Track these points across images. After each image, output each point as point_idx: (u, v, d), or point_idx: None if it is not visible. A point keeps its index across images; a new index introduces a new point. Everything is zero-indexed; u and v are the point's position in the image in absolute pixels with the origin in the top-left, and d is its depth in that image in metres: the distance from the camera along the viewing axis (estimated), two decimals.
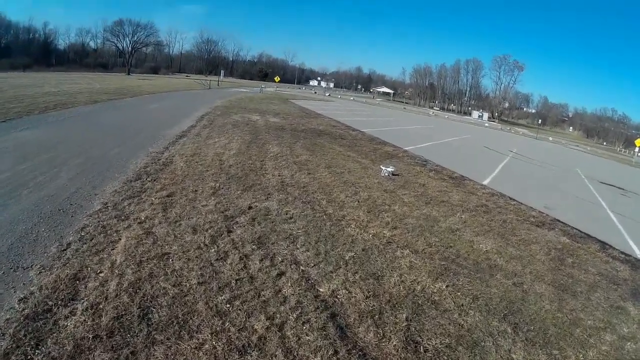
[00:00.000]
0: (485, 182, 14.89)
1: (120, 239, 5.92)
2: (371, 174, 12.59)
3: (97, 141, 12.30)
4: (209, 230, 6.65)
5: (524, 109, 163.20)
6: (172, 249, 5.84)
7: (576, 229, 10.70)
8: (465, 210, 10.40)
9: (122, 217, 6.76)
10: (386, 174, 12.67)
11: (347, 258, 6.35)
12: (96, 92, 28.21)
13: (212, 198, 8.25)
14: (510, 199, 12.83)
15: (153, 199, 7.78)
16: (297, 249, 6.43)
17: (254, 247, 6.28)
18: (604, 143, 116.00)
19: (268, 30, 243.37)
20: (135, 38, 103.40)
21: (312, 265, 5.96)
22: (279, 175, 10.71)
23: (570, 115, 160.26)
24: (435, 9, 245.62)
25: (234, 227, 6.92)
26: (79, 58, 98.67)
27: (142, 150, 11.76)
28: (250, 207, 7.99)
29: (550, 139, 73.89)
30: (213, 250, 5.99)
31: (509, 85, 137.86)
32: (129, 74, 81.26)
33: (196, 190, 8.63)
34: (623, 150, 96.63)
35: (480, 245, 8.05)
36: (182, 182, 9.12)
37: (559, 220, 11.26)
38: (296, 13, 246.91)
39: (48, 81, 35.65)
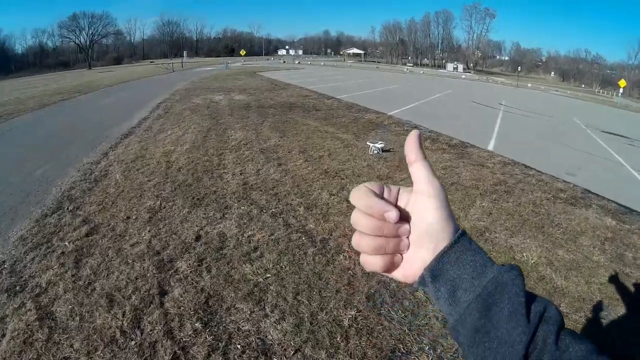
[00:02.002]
0: (490, 147, 12.61)
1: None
2: (357, 154, 10.17)
3: (20, 161, 9.70)
4: (133, 298, 4.27)
5: (497, 57, 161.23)
6: (73, 348, 3.46)
7: (614, 202, 8.57)
8: (483, 193, 8.09)
9: (16, 290, 4.43)
10: (375, 152, 10.29)
11: (346, 325, 3.96)
12: (50, 93, 25.22)
13: (147, 229, 5.86)
14: (526, 167, 10.58)
15: (67, 243, 5.40)
16: (267, 317, 4.03)
17: (197, 325, 3.89)
18: (582, 85, 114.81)
19: (230, 3, 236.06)
20: (92, 30, 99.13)
21: (292, 354, 3.57)
22: (240, 174, 8.26)
23: (544, 60, 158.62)
24: None
25: (171, 285, 4.52)
26: (39, 60, 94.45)
27: (75, 163, 9.27)
28: (197, 238, 5.58)
29: (529, 85, 71.87)
30: (133, 343, 3.59)
31: (481, 34, 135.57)
32: (90, 69, 77.44)
33: (128, 218, 6.25)
34: (601, 91, 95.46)
35: (524, 254, 5.78)
36: (112, 206, 6.75)
37: (589, 192, 9.11)
38: None
39: (1, 90, 32.38)
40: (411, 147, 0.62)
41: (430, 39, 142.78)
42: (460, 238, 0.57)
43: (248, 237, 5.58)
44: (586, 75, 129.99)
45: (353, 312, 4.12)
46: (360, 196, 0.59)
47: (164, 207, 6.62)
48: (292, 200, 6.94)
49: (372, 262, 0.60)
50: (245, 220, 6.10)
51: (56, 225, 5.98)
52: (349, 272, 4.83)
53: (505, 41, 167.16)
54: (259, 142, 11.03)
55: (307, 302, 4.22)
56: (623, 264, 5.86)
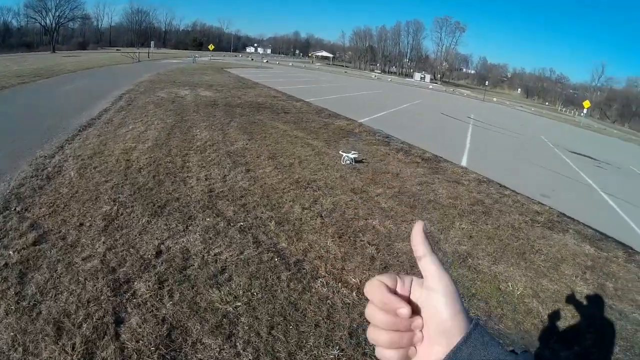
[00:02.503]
0: (463, 163, 12.36)
1: None
2: (329, 164, 9.66)
3: None
4: (84, 327, 3.62)
5: (464, 70, 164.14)
6: None
7: (589, 228, 8.46)
8: (462, 214, 7.71)
9: None
10: (348, 162, 9.80)
11: None
12: (10, 75, 23.52)
13: (102, 239, 5.14)
14: (500, 186, 10.35)
15: (11, 252, 4.63)
16: (239, 356, 3.46)
17: None
18: (546, 103, 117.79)
19: None
20: (59, 13, 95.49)
21: None
22: (206, 179, 7.62)
23: (510, 76, 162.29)
24: None
25: (128, 311, 3.88)
26: (2, 39, 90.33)
27: (28, 156, 8.38)
28: (158, 254, 4.92)
29: (495, 99, 73.20)
30: None
31: (450, 47, 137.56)
32: (54, 52, 74.43)
33: (81, 225, 5.49)
34: (564, 109, 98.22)
35: (509, 284, 5.42)
36: (64, 209, 5.95)
37: (565, 215, 8.98)
38: None
39: None
40: (418, 241, 0.61)
41: (399, 48, 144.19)
42: (473, 332, 0.55)
43: (215, 255, 4.97)
44: (550, 93, 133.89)
45: (335, 352, 3.60)
46: (375, 291, 0.58)
47: (121, 214, 5.93)
48: (262, 213, 6.36)
49: (387, 355, 0.58)
50: (211, 235, 5.49)
51: (1, 230, 5.23)
52: (328, 301, 4.30)
53: (473, 55, 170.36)
54: (225, 143, 10.40)
55: (283, 339, 3.66)
56: (605, 295, 5.65)
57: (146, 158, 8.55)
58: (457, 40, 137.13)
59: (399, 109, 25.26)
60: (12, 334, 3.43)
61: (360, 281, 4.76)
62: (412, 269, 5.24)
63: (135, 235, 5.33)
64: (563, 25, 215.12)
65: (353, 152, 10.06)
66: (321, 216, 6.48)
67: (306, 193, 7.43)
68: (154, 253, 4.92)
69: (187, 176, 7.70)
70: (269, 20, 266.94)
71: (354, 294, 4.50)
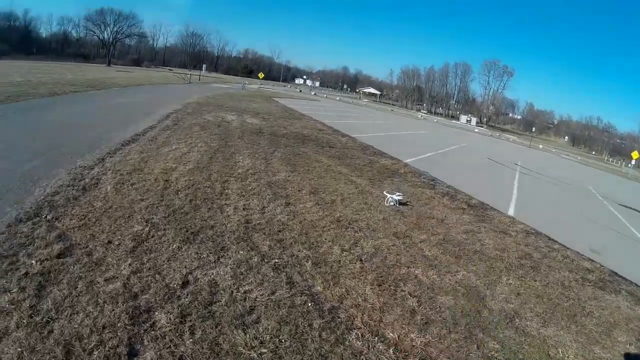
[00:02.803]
0: (510, 212, 11.86)
1: None
2: (372, 203, 9.40)
3: (10, 149, 8.93)
4: (95, 354, 3.50)
5: (510, 115, 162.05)
6: None
7: None
8: (509, 267, 7.28)
9: None
10: (392, 203, 9.52)
11: None
12: (64, 83, 24.59)
13: (128, 261, 5.02)
14: (549, 239, 9.82)
15: (34, 262, 4.58)
16: None
17: None
18: (593, 152, 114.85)
19: (254, 26, 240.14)
20: (117, 28, 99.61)
21: None
22: (244, 209, 7.47)
23: (556, 123, 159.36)
24: (425, 9, 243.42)
25: (144, 344, 3.70)
26: (61, 47, 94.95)
27: (67, 164, 8.51)
28: (185, 284, 4.74)
29: (541, 146, 71.67)
30: None
31: (497, 91, 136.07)
32: (109, 65, 77.51)
33: (109, 243, 5.41)
34: (610, 159, 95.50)
35: (559, 350, 4.99)
36: (95, 223, 5.91)
37: (617, 274, 8.37)
38: (283, 9, 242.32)
39: (19, 70, 31.91)
40: None
41: (446, 89, 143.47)
42: None
43: (244, 292, 4.74)
44: (596, 142, 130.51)
45: None
46: None
47: (152, 237, 5.80)
48: (299, 251, 6.12)
49: None
50: (243, 270, 5.28)
51: (28, 236, 5.17)
52: (362, 357, 4.00)
53: (519, 100, 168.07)
54: (267, 173, 10.28)
55: None
56: None
57: (185, 180, 8.49)
58: (504, 84, 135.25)
59: (444, 151, 24.85)
60: (19, 349, 3.30)
61: (399, 336, 4.44)
62: (454, 326, 4.91)
63: (164, 261, 5.17)
64: (611, 74, 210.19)
65: (398, 193, 9.78)
66: (361, 260, 6.20)
67: (347, 233, 7.16)
68: (181, 283, 4.73)
69: (225, 204, 7.57)
70: (319, 54, 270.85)
71: (390, 350, 4.18)
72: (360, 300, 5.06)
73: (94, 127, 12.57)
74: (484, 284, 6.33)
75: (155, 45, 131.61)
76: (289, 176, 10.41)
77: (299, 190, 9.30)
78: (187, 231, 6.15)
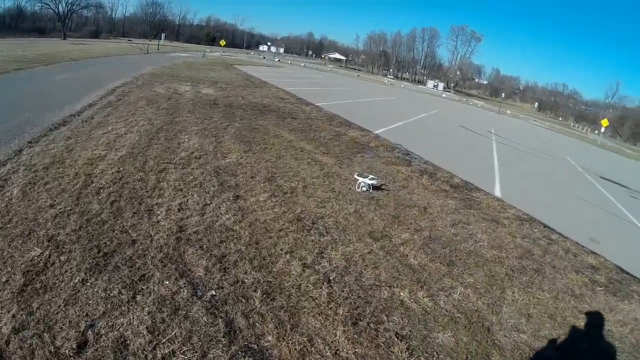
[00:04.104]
0: (497, 192, 10.53)
1: None
2: (341, 191, 7.84)
3: None
4: None
5: (476, 80, 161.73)
6: None
7: None
8: (510, 274, 5.90)
9: None
10: (364, 188, 7.98)
11: None
12: (9, 60, 21.85)
13: (13, 310, 3.52)
14: (544, 226, 8.54)
15: None
16: None
17: None
18: (560, 118, 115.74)
19: None
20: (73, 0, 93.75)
21: None
22: (179, 210, 5.81)
23: (522, 88, 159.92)
24: None
25: None
26: (15, 23, 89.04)
27: None
28: (81, 347, 3.21)
29: (509, 112, 71.01)
30: None
31: (465, 56, 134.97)
32: (64, 39, 72.92)
33: None
34: (575, 125, 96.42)
35: None
36: None
37: (623, 271, 7.12)
38: None
39: None
40: None
41: (413, 54, 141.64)
42: None
43: (162, 358, 3.16)
44: (562, 108, 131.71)
45: None
46: None
47: (51, 265, 4.15)
48: (246, 273, 4.52)
49: None
50: (165, 314, 3.68)
51: None
52: None
53: (486, 65, 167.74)
54: (216, 155, 8.60)
55: None
56: None
57: (112, 173, 6.77)
58: (472, 49, 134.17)
59: (416, 119, 23.37)
60: None
61: None
62: None
63: (59, 307, 3.59)
64: (578, 41, 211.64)
65: (371, 176, 8.23)
66: (328, 281, 4.64)
67: (310, 239, 5.57)
68: (75, 346, 3.17)
69: (156, 203, 5.89)
70: (284, 20, 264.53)
71: None
72: (329, 353, 3.51)
73: (25, 110, 10.53)
74: (486, 304, 4.88)
75: (114, 16, 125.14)
76: (241, 158, 8.75)
77: (252, 177, 7.65)
78: (98, 252, 4.49)
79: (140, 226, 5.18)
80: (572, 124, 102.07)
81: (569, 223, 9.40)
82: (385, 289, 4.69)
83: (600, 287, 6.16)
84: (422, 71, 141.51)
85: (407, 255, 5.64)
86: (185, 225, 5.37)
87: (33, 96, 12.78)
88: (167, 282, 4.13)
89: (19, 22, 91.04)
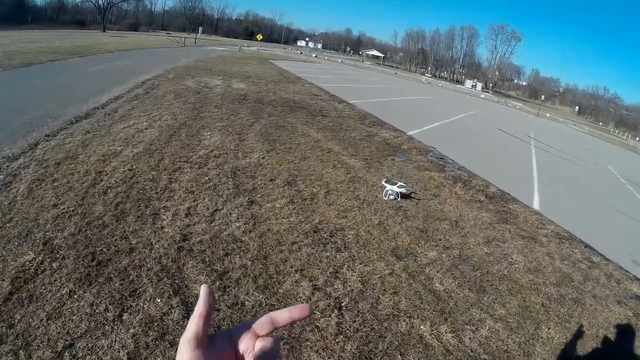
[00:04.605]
0: (535, 204, 9.82)
1: None
2: (366, 198, 7.31)
3: None
4: None
5: (515, 81, 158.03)
6: None
7: None
8: (546, 305, 5.28)
9: None
10: (392, 197, 7.43)
11: None
12: (46, 51, 21.98)
13: None
14: (585, 245, 7.83)
15: None
16: None
17: None
18: (600, 123, 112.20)
19: None
20: None
21: None
22: (186, 215, 5.40)
23: (561, 91, 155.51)
24: None
25: None
26: (56, 15, 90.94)
27: None
28: None
29: (548, 115, 68.79)
30: None
31: (504, 56, 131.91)
32: (104, 31, 73.97)
33: None
34: (616, 131, 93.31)
35: None
36: None
37: None
38: None
39: (5, 40, 29.18)
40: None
41: (452, 52, 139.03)
42: None
43: None
44: (602, 112, 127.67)
45: None
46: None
47: (42, 272, 3.84)
48: (248, 293, 4.04)
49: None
50: (150, 339, 3.27)
51: None
52: None
53: (525, 66, 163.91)
54: (236, 155, 8.18)
55: None
56: None
57: (124, 171, 6.42)
58: (512, 49, 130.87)
59: (452, 120, 22.53)
60: None
61: None
62: None
63: (42, 321, 3.31)
64: (621, 43, 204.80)
65: (400, 183, 7.68)
66: (340, 308, 4.13)
67: (325, 255, 5.07)
68: None
69: (164, 207, 5.49)
70: (322, 16, 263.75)
71: None
72: None
73: (49, 102, 10.37)
74: (517, 343, 4.30)
75: (153, 10, 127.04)
76: (263, 158, 8.31)
77: (271, 180, 7.20)
78: (92, 260, 4.13)
79: (142, 232, 4.79)
80: (612, 129, 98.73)
81: (611, 242, 8.67)
82: (404, 321, 4.15)
83: None
84: (461, 70, 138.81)
85: (433, 278, 5.08)
86: (190, 233, 4.94)
87: (61, 88, 12.64)
88: (158, 300, 3.71)
89: (60, 15, 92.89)
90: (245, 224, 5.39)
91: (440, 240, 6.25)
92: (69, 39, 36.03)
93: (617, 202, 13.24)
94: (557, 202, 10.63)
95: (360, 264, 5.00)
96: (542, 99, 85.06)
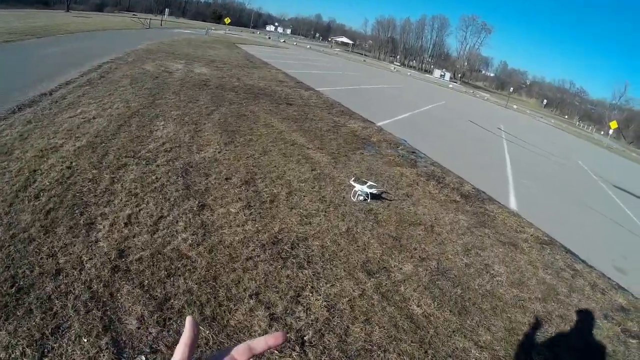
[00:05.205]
0: (512, 204, 9.35)
1: None
2: (332, 200, 6.60)
3: None
4: None
5: (483, 72, 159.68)
6: None
7: None
8: (534, 326, 4.65)
9: None
10: (362, 198, 6.74)
11: None
12: (2, 32, 20.54)
13: None
14: (566, 251, 7.36)
15: None
16: None
17: None
18: (565, 116, 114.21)
19: None
20: None
21: None
22: (126, 223, 4.60)
23: (529, 83, 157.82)
24: None
25: None
26: None
27: None
28: None
29: (515, 107, 69.43)
30: None
31: (474, 47, 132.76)
32: (67, 11, 71.23)
33: None
34: (581, 124, 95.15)
35: None
36: None
37: None
38: None
39: None
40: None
41: (422, 42, 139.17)
42: None
43: None
44: (567, 105, 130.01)
45: None
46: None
47: None
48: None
49: None
50: None
51: None
52: None
53: (494, 58, 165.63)
54: (190, 148, 7.36)
55: None
56: None
57: (61, 169, 5.54)
58: (482, 40, 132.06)
59: (422, 111, 22.01)
60: None
61: None
62: None
63: None
64: (588, 39, 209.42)
65: (370, 183, 7.01)
66: (302, 344, 3.41)
67: (285, 273, 4.32)
68: None
69: (101, 214, 4.66)
70: (293, 1, 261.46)
71: None
72: None
73: None
74: None
75: None
76: (219, 152, 7.51)
77: (227, 179, 6.41)
78: (12, 286, 3.37)
79: (72, 248, 3.97)
80: (577, 122, 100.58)
81: (592, 245, 8.26)
82: (379, 356, 3.47)
83: (634, 339, 4.98)
84: (430, 60, 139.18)
85: (409, 299, 4.40)
86: (129, 247, 4.14)
87: (9, 72, 11.54)
88: (85, 340, 2.93)
89: None
90: (193, 235, 4.60)
91: (415, 249, 5.58)
92: (28, 19, 34.14)
93: (592, 201, 12.89)
94: (533, 202, 10.18)
95: (326, 283, 4.29)
96: (511, 90, 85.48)
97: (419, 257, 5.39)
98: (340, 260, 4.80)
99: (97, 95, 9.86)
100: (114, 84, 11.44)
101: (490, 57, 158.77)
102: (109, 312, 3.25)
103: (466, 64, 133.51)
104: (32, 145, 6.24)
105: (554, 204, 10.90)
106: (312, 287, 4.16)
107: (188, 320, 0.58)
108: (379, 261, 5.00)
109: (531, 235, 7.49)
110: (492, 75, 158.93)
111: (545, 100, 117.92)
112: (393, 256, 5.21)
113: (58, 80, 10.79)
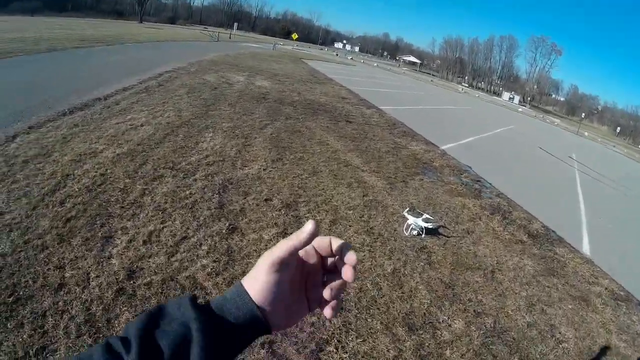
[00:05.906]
0: (584, 247, 8.29)
1: None
2: (382, 232, 5.95)
3: None
4: None
5: (553, 96, 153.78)
6: None
7: None
8: None
9: None
10: (415, 232, 6.04)
11: None
12: (74, 39, 21.56)
13: None
14: None
15: None
16: None
17: None
18: (639, 146, 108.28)
19: None
20: None
21: None
22: (145, 242, 4.24)
23: (600, 109, 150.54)
24: None
25: None
26: (96, 4, 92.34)
27: None
28: None
29: (586, 134, 66.05)
30: None
31: (543, 69, 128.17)
32: (140, 23, 74.64)
33: None
34: None
35: None
36: None
37: None
38: None
39: (41, 26, 28.79)
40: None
41: (490, 63, 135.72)
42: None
43: None
44: None
45: None
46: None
47: None
48: None
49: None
50: None
51: None
52: None
53: (564, 81, 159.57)
54: (234, 164, 6.93)
55: None
56: None
57: (94, 176, 5.26)
58: (552, 63, 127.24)
59: (489, 135, 20.90)
60: None
61: None
62: None
63: None
64: None
65: (425, 215, 6.30)
66: None
67: (309, 319, 3.70)
68: None
69: (122, 228, 4.28)
70: (361, 19, 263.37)
71: None
72: None
73: (50, 91, 9.53)
74: None
75: (192, 4, 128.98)
76: (264, 169, 7.03)
77: (266, 200, 5.89)
78: (10, 295, 3.26)
79: (82, 262, 3.60)
80: None
81: None
82: None
83: None
84: (498, 82, 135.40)
85: None
86: (141, 269, 3.71)
87: (71, 76, 11.84)
88: None
89: (99, 4, 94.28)
90: (214, 262, 4.10)
91: (470, 301, 4.81)
92: (101, 28, 35.56)
93: None
94: (609, 246, 9.06)
95: (356, 338, 3.64)
96: (582, 116, 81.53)
97: (474, 311, 4.62)
98: (378, 309, 4.13)
99: (150, 102, 9.71)
100: (170, 92, 11.31)
101: (560, 80, 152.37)
102: (100, 341, 2.74)
103: (536, 87, 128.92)
104: (72, 149, 6.05)
105: (634, 250, 9.72)
106: (338, 341, 3.53)
107: (309, 225, 0.57)
108: (425, 314, 4.28)
109: (605, 288, 6.52)
110: (562, 99, 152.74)
111: (619, 128, 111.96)
112: (443, 308, 4.48)
113: (114, 87, 10.77)
